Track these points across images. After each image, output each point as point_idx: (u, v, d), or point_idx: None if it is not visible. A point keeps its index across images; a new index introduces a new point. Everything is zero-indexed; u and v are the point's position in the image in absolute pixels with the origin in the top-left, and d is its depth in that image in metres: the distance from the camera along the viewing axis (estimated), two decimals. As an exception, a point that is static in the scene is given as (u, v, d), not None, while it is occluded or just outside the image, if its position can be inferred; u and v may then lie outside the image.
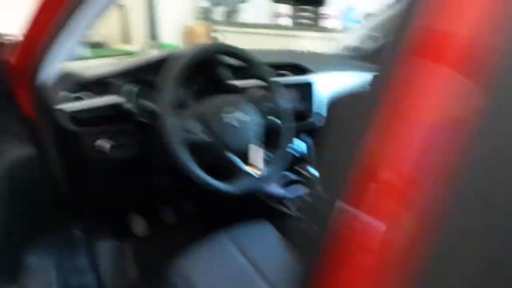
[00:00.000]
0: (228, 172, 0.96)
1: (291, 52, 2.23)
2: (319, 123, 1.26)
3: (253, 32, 3.47)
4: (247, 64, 1.03)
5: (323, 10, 2.88)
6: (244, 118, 0.96)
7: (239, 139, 0.96)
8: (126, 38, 4.03)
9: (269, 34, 3.32)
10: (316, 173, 1.22)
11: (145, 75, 0.98)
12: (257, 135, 1.00)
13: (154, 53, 2.36)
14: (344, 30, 2.80)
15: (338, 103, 1.25)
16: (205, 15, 3.92)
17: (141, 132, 0.97)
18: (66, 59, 0.92)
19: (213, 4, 3.83)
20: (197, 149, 0.89)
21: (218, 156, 0.94)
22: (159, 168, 1.10)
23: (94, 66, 1.10)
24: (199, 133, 0.91)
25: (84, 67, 1.06)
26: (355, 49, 1.59)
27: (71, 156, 0.96)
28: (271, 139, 1.03)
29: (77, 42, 0.89)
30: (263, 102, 1.03)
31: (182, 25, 4.10)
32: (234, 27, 3.63)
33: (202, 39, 3.90)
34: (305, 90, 1.23)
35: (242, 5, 3.51)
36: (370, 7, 2.54)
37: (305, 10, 3.02)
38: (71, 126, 0.91)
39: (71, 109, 0.91)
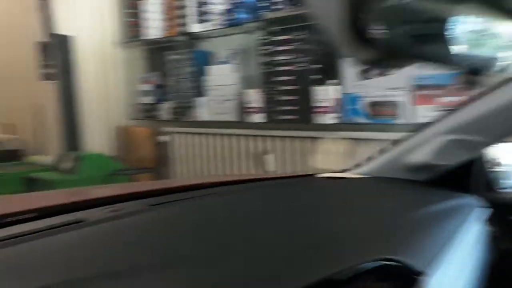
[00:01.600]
0: None
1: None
2: None
3: (212, 132, 2.70)
4: None
5: (317, 98, 2.18)
6: None
7: None
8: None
9: (235, 135, 2.56)
10: None
11: None
12: None
13: None
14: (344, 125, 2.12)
15: None
16: (147, 113, 3.11)
17: None
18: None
19: (158, 99, 3.06)
20: None
21: None
22: None
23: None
24: None
25: None
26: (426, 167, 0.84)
27: None
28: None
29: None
30: None
31: (111, 126, 3.22)
32: (186, 127, 2.85)
33: (145, 142, 3.03)
34: None
35: (199, 99, 2.77)
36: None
37: (289, 103, 2.30)
38: None
39: None
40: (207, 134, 2.74)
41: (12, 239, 0.48)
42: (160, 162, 3.01)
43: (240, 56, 2.57)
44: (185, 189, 0.78)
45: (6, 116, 4.47)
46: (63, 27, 2.90)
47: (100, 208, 0.61)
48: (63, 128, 2.95)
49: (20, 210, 0.61)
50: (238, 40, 2.58)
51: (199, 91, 2.77)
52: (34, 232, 0.50)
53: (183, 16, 2.74)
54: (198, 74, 2.76)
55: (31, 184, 2.74)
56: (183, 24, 2.74)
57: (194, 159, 2.83)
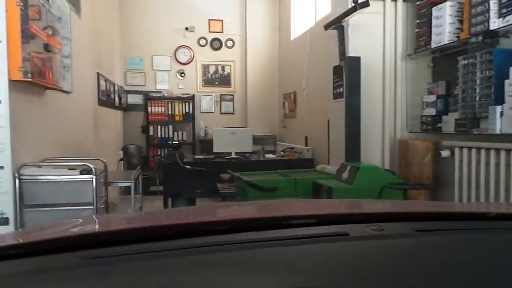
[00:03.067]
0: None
1: None
2: None
3: (505, 148, 2.17)
4: None
5: None
6: None
7: None
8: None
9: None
10: None
11: None
12: None
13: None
14: None
15: None
16: (428, 126, 2.90)
17: None
18: None
19: (442, 110, 2.78)
20: None
21: None
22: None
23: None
24: None
25: None
26: None
27: None
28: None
29: None
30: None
31: (391, 139, 3.20)
32: (472, 141, 2.44)
33: (423, 156, 2.83)
34: None
35: (494, 107, 2.32)
36: None
37: None
38: None
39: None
40: (497, 149, 2.24)
41: (287, 240, 0.57)
42: (438, 179, 2.72)
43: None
44: (460, 217, 0.69)
45: (305, 130, 5.39)
46: (353, 50, 3.18)
47: (365, 224, 0.62)
48: (347, 141, 3.21)
49: (301, 215, 0.73)
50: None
51: (496, 98, 2.31)
52: (307, 237, 0.58)
53: (480, 14, 2.39)
54: (498, 78, 2.31)
55: (316, 189, 3.14)
56: (480, 23, 2.39)
57: (478, 179, 2.37)
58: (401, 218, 0.67)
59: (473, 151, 2.43)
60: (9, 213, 2.07)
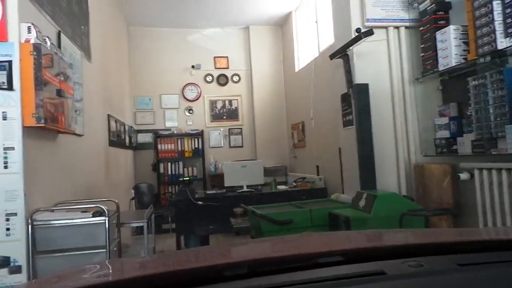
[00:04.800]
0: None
1: None
2: None
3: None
4: None
5: None
6: None
7: None
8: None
9: None
10: None
11: None
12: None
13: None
14: None
15: None
16: (443, 149, 2.84)
17: None
18: None
19: (456, 132, 2.74)
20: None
21: None
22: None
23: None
24: None
25: None
26: None
27: None
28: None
29: None
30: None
31: (406, 164, 3.14)
32: (491, 162, 2.37)
33: (441, 180, 2.75)
34: None
35: (510, 127, 2.27)
36: None
37: None
38: None
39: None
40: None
41: (319, 283, 0.51)
42: (458, 204, 2.62)
43: None
44: (506, 246, 0.63)
45: (315, 159, 5.33)
46: (360, 77, 3.20)
47: (401, 260, 0.57)
48: (360, 168, 3.15)
49: (325, 251, 0.67)
50: None
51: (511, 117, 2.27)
52: (338, 279, 0.52)
53: (486, 35, 2.40)
54: (511, 96, 2.29)
55: (333, 220, 3.06)
56: (487, 43, 2.40)
57: (502, 201, 2.28)
58: (439, 251, 0.61)
59: (494, 172, 2.35)
60: (22, 261, 2.03)
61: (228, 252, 0.90)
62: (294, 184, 4.96)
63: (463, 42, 2.66)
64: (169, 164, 6.33)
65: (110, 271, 0.80)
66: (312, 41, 5.54)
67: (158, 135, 6.31)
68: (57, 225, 2.18)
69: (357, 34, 3.02)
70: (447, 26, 2.77)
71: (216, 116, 6.74)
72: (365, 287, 0.50)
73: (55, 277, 0.79)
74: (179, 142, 6.38)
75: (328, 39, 4.88)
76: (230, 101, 6.79)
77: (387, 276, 0.51)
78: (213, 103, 6.73)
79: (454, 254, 0.59)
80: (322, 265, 0.60)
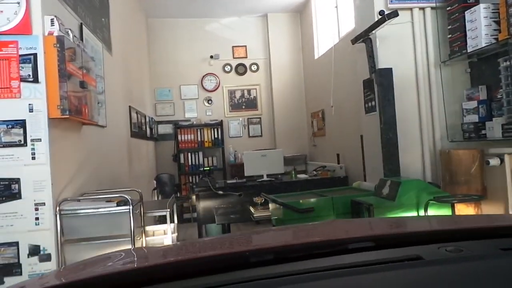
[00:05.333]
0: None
1: None
2: None
3: None
4: None
5: None
6: None
7: None
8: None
9: None
10: None
11: None
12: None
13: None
14: None
15: None
16: (472, 133, 2.74)
17: None
18: None
19: (485, 116, 2.63)
20: None
21: None
22: None
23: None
24: None
25: None
26: None
27: None
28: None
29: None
30: None
31: (431, 150, 3.05)
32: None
33: (469, 166, 2.66)
34: None
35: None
36: None
37: None
38: None
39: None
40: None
41: (348, 269, 0.49)
42: (487, 190, 2.53)
43: None
44: None
45: (336, 147, 5.26)
46: (383, 62, 3.10)
47: (437, 245, 0.54)
48: (384, 155, 3.08)
49: (357, 236, 0.64)
50: None
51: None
52: (371, 264, 0.49)
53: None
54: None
55: (355, 207, 3.01)
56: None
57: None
58: (478, 235, 0.58)
59: (526, 157, 2.25)
60: (51, 249, 2.09)
61: (256, 239, 0.88)
62: (314, 173, 4.92)
63: (494, 21, 2.53)
64: (189, 154, 6.39)
65: (135, 258, 0.80)
66: (332, 27, 5.42)
67: (178, 126, 6.36)
68: (83, 214, 2.23)
69: (380, 16, 2.93)
70: (476, 5, 2.65)
71: (235, 106, 6.72)
72: (401, 272, 0.46)
73: (82, 264, 0.80)
74: (198, 132, 6.41)
75: (348, 25, 4.76)
76: (249, 91, 6.75)
77: (425, 262, 0.48)
78: (232, 93, 6.72)
79: (495, 239, 0.55)
80: (352, 251, 0.57)
